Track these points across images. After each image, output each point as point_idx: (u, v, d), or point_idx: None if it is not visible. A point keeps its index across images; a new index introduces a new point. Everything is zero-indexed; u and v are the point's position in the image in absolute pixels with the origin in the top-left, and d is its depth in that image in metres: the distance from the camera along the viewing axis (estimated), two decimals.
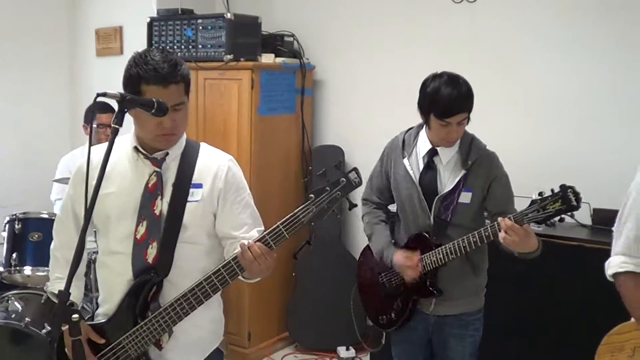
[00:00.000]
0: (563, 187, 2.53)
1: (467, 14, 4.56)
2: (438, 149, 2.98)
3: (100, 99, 2.02)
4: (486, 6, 4.51)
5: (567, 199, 2.50)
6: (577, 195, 2.51)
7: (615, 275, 2.41)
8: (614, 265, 2.41)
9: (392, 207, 3.27)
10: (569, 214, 2.54)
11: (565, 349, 3.55)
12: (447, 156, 2.98)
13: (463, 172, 2.94)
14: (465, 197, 2.94)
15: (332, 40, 5.14)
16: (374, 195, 3.25)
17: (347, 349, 4.79)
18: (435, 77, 2.91)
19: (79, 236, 2.02)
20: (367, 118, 5.01)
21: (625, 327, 2.39)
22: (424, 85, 2.93)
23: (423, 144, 3.03)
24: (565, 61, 4.26)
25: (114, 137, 2.05)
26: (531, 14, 4.37)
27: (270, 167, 4.84)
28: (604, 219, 3.59)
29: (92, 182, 2.07)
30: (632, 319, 2.37)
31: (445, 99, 2.82)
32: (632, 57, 4.01)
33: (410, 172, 3.02)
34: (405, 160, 3.05)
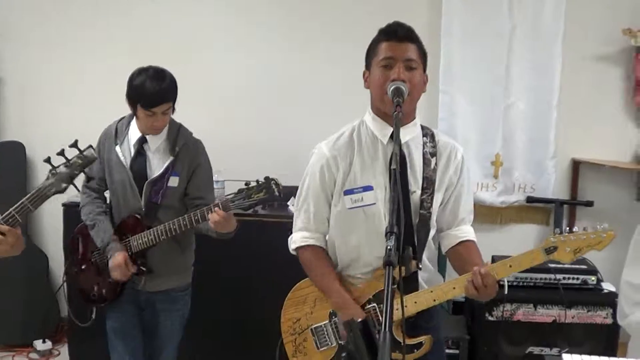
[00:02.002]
0: (267, 179, 2.80)
1: (151, 10, 4.81)
2: (147, 136, 3.18)
3: None
4: (170, 2, 4.81)
5: (270, 189, 2.79)
6: (278, 186, 2.80)
7: (297, 249, 2.65)
8: (296, 240, 2.65)
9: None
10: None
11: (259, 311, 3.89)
12: (156, 143, 3.19)
13: (171, 158, 3.17)
14: (173, 181, 3.17)
15: (9, 38, 5.00)
16: (94, 182, 3.32)
17: (44, 342, 4.77)
18: (141, 71, 3.10)
19: None
20: (49, 112, 4.99)
21: (305, 283, 2.67)
22: (131, 78, 3.10)
23: (134, 132, 3.21)
24: (248, 55, 4.75)
25: None
26: (214, 10, 4.78)
27: None
28: (286, 195, 4.12)
29: None
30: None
31: (151, 90, 3.02)
32: (312, 49, 4.68)
33: (122, 158, 3.18)
34: (118, 148, 3.20)
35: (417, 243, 2.52)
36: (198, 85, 4.62)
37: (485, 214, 4.67)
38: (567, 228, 2.33)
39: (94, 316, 3.40)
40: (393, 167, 2.08)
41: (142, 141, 3.19)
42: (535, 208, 4.76)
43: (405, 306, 2.41)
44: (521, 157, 4.69)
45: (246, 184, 2.83)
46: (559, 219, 4.66)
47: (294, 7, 4.72)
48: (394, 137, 2.22)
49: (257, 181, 2.81)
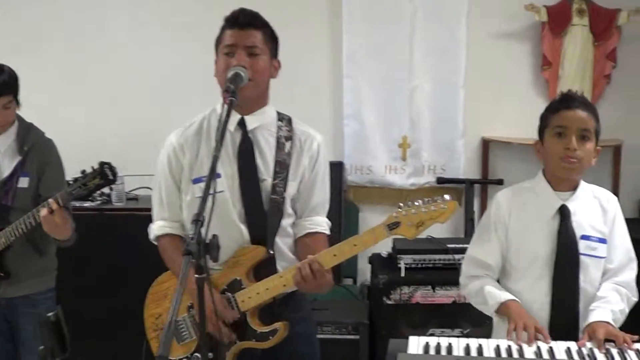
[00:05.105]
0: (100, 164, 2.74)
1: (34, 5, 4.71)
2: None
3: None
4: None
5: (104, 174, 2.72)
6: (113, 169, 2.74)
7: (156, 238, 2.65)
8: (154, 229, 2.64)
9: None
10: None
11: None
12: (5, 144, 3.11)
13: (19, 158, 3.09)
14: (23, 182, 3.09)
15: None
16: None
17: None
18: None
19: None
20: None
21: (164, 277, 2.64)
22: None
23: None
24: (138, 51, 4.71)
25: None
26: (105, 6, 4.72)
27: None
28: None
29: None
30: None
31: None
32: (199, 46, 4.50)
33: None
34: None
35: (269, 229, 2.49)
36: (97, 83, 4.67)
37: (396, 197, 4.64)
38: (410, 202, 2.27)
39: None
40: (214, 154, 2.07)
41: None
42: (447, 189, 4.72)
43: (258, 293, 2.44)
44: (429, 138, 4.68)
45: (82, 172, 2.78)
46: (470, 199, 4.65)
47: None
48: (219, 126, 2.17)
49: (93, 168, 2.76)
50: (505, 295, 2.49)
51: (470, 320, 3.86)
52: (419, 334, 2.31)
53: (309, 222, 2.57)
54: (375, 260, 4.17)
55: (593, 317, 2.38)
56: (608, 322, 2.35)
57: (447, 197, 2.25)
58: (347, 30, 4.56)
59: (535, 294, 2.51)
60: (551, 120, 2.49)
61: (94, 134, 4.62)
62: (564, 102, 2.50)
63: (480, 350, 2.21)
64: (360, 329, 3.88)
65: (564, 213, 2.51)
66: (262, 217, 2.49)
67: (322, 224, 2.59)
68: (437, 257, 3.95)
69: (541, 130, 2.57)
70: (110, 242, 4.02)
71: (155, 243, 2.68)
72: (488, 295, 2.52)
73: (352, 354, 3.91)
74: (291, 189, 2.53)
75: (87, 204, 4.11)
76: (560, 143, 2.44)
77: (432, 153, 4.70)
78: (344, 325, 3.89)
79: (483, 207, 4.69)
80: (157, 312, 2.65)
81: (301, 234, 2.58)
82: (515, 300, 2.47)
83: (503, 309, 2.47)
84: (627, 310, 2.50)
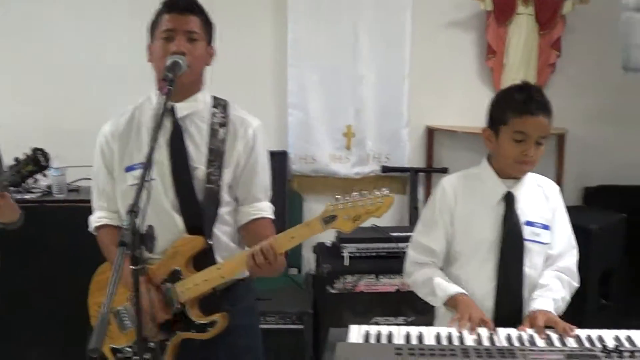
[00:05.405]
0: (33, 150, 2.66)
1: None
2: None
3: None
4: None
5: (37, 160, 2.64)
6: (45, 155, 2.66)
7: (95, 229, 2.60)
8: (93, 220, 2.60)
9: None
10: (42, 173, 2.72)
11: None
12: None
13: None
14: None
15: None
16: None
17: None
18: None
19: None
20: None
21: (106, 267, 2.60)
22: None
23: None
24: (78, 41, 4.53)
25: None
26: None
27: None
28: None
29: None
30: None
31: None
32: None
33: None
34: None
35: (205, 219, 2.44)
36: (38, 73, 4.54)
37: (340, 186, 4.60)
38: (348, 195, 2.21)
39: None
40: (151, 144, 2.06)
41: None
42: (391, 177, 4.73)
43: (197, 284, 2.40)
44: (374, 127, 4.65)
45: (15, 160, 2.69)
46: (414, 187, 4.65)
47: None
48: (156, 115, 2.16)
49: (25, 154, 2.68)
50: (455, 289, 2.47)
51: (414, 308, 3.85)
52: (363, 323, 2.29)
53: (253, 208, 2.52)
54: (320, 249, 4.14)
55: (534, 305, 2.39)
56: (549, 311, 2.35)
57: (385, 190, 2.19)
58: (292, 19, 4.48)
59: (481, 280, 2.50)
60: (511, 122, 2.41)
61: (34, 125, 4.43)
62: (527, 106, 2.40)
63: (420, 338, 2.18)
64: (305, 318, 3.84)
65: (509, 199, 2.51)
66: (196, 206, 2.44)
67: (266, 209, 2.54)
68: (381, 245, 3.94)
69: (495, 122, 2.50)
70: (52, 234, 3.90)
71: (95, 234, 2.63)
72: (437, 287, 2.50)
73: (296, 344, 3.86)
74: (227, 176, 2.47)
75: (27, 196, 4.01)
76: (518, 148, 2.41)
77: (377, 142, 4.67)
78: (288, 315, 3.85)
79: (427, 196, 4.67)
80: (100, 300, 2.48)
81: (245, 221, 2.52)
82: (464, 293, 2.45)
83: (451, 302, 2.45)
84: (568, 298, 2.52)
